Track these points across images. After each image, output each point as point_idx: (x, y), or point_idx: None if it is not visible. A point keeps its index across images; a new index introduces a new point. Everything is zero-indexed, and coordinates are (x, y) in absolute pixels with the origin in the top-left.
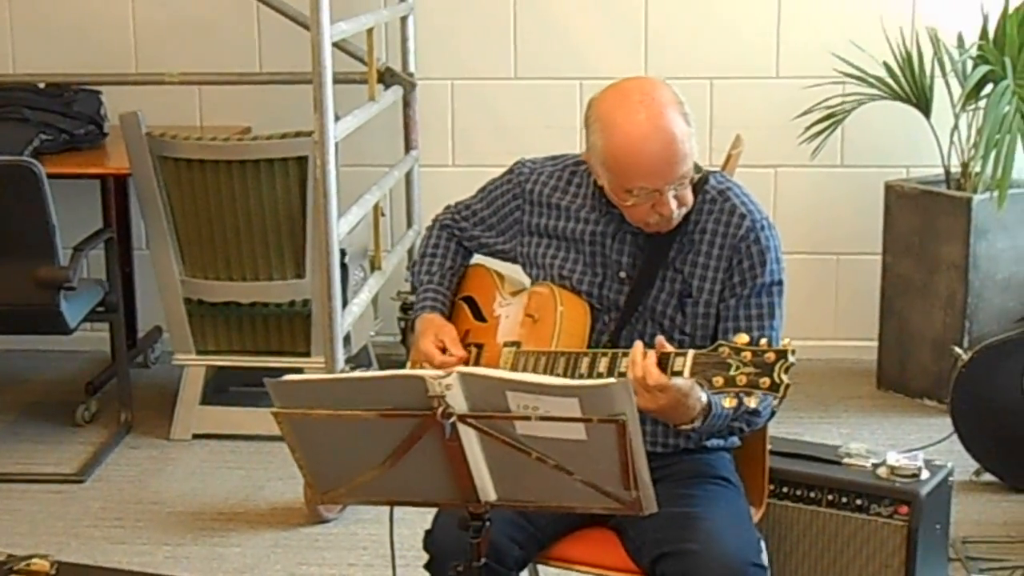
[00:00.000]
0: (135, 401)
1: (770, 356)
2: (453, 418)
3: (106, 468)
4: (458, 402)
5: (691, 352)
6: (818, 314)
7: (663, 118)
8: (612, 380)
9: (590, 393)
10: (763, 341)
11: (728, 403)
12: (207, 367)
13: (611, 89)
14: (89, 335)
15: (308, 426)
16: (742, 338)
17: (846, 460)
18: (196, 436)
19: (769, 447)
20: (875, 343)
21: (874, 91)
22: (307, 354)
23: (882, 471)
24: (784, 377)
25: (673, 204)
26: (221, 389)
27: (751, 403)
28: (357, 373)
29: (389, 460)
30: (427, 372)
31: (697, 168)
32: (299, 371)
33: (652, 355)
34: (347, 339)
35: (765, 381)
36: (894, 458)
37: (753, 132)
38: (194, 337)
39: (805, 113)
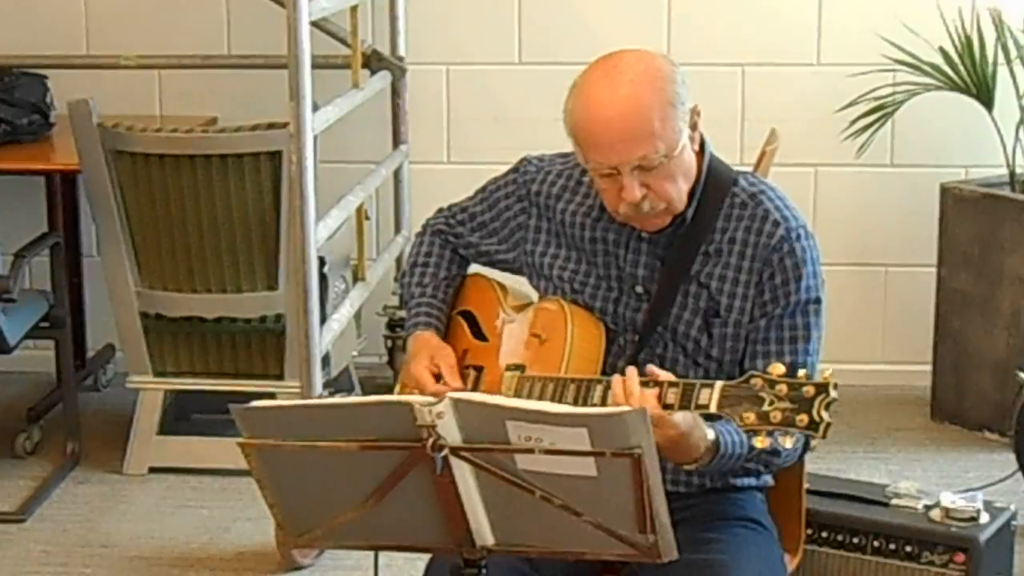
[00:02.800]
0: (84, 430)
1: (809, 390)
2: (445, 451)
3: (50, 506)
4: (451, 432)
5: (719, 384)
6: (863, 334)
7: (627, 85)
8: (626, 408)
9: (601, 422)
10: (801, 372)
11: (760, 443)
12: (166, 391)
13: (604, 55)
14: (32, 354)
15: (280, 459)
16: (777, 368)
17: (894, 501)
18: (153, 470)
19: (806, 486)
20: (929, 367)
21: (928, 80)
22: (280, 377)
23: (935, 514)
24: (824, 415)
25: (637, 192)
26: (182, 416)
27: (786, 443)
28: (336, 399)
29: (372, 498)
30: (415, 398)
31: (721, 167)
32: (271, 396)
33: (654, 388)
34: (326, 360)
35: (803, 419)
36: (949, 499)
37: (790, 126)
38: (151, 357)
39: (850, 105)
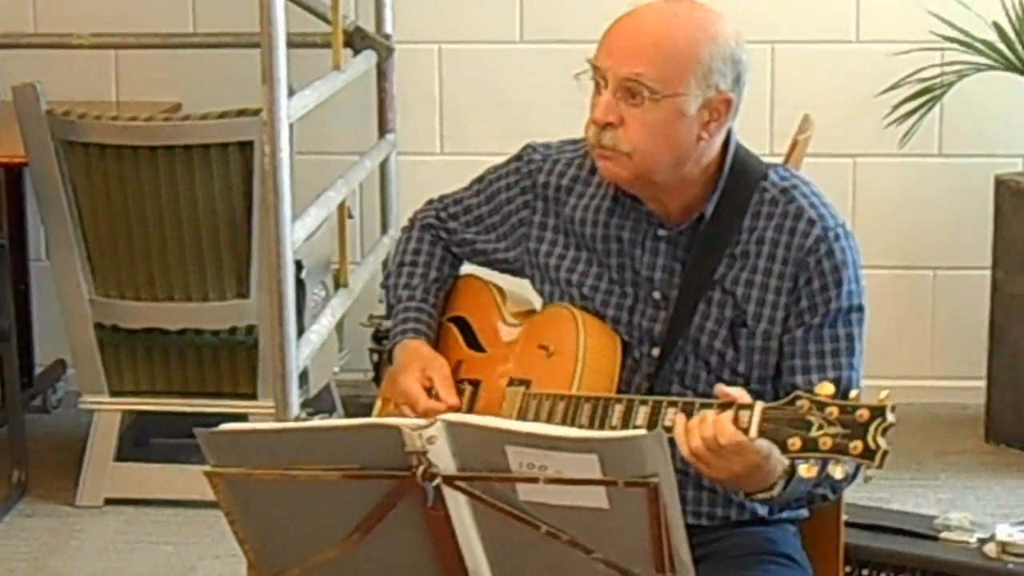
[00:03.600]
0: (31, 456)
1: (863, 413)
2: (437, 480)
3: None
4: (444, 459)
5: (759, 405)
6: (910, 346)
7: (666, 10)
8: (640, 432)
9: (613, 448)
10: (853, 393)
11: (807, 472)
12: (123, 413)
13: None
14: None
15: (252, 490)
16: (825, 388)
17: (944, 534)
18: (109, 501)
19: (845, 517)
20: (983, 383)
21: (981, 60)
22: (252, 396)
23: (990, 548)
24: (881, 441)
25: (602, 111)
26: (141, 441)
27: (836, 473)
28: (315, 421)
29: (356, 533)
30: (404, 421)
31: (749, 159)
32: (242, 418)
33: (729, 411)
34: (304, 377)
35: (856, 446)
36: (1006, 532)
37: (826, 112)
38: (107, 374)
39: (893, 88)
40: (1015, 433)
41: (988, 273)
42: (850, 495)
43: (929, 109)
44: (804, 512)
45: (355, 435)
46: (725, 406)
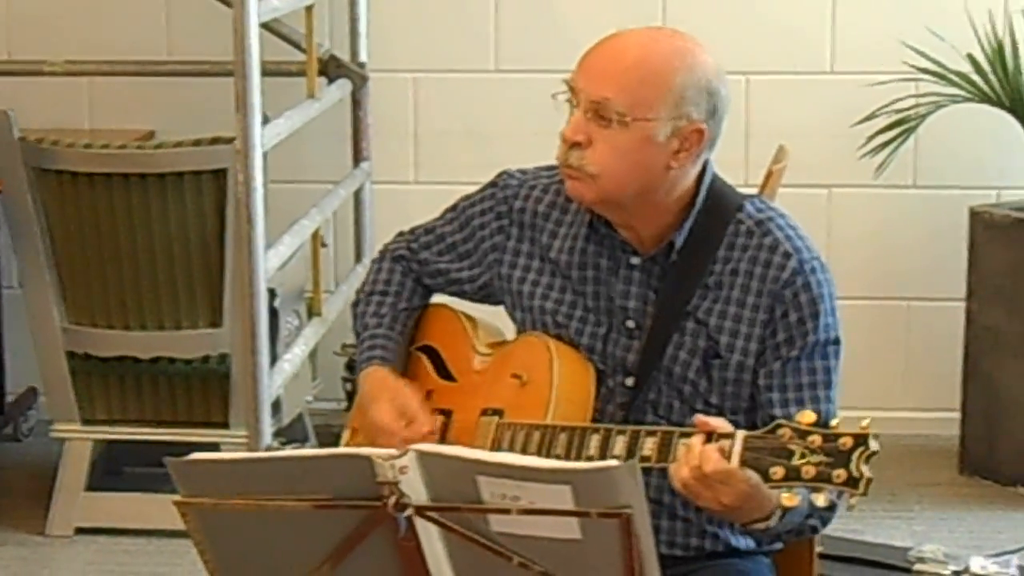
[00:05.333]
0: (2, 485)
1: (846, 441)
2: (409, 510)
3: None
4: (416, 489)
5: (740, 434)
6: (884, 377)
7: (644, 35)
8: (613, 462)
9: (586, 479)
10: (834, 422)
11: (788, 500)
12: (95, 441)
13: None
14: None
15: (222, 520)
16: (807, 416)
17: (918, 567)
18: (80, 531)
19: (819, 549)
20: (957, 415)
21: (956, 91)
22: (225, 425)
23: None
24: (864, 469)
25: (573, 130)
26: (113, 470)
27: (819, 501)
28: (287, 451)
29: (327, 564)
30: (376, 451)
31: (725, 189)
32: (215, 447)
33: (712, 446)
34: (276, 406)
35: (840, 474)
36: (979, 564)
37: (801, 143)
38: (79, 402)
39: (868, 119)
40: (989, 465)
41: (962, 305)
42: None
43: (904, 140)
44: (777, 544)
45: (326, 465)
46: (709, 436)
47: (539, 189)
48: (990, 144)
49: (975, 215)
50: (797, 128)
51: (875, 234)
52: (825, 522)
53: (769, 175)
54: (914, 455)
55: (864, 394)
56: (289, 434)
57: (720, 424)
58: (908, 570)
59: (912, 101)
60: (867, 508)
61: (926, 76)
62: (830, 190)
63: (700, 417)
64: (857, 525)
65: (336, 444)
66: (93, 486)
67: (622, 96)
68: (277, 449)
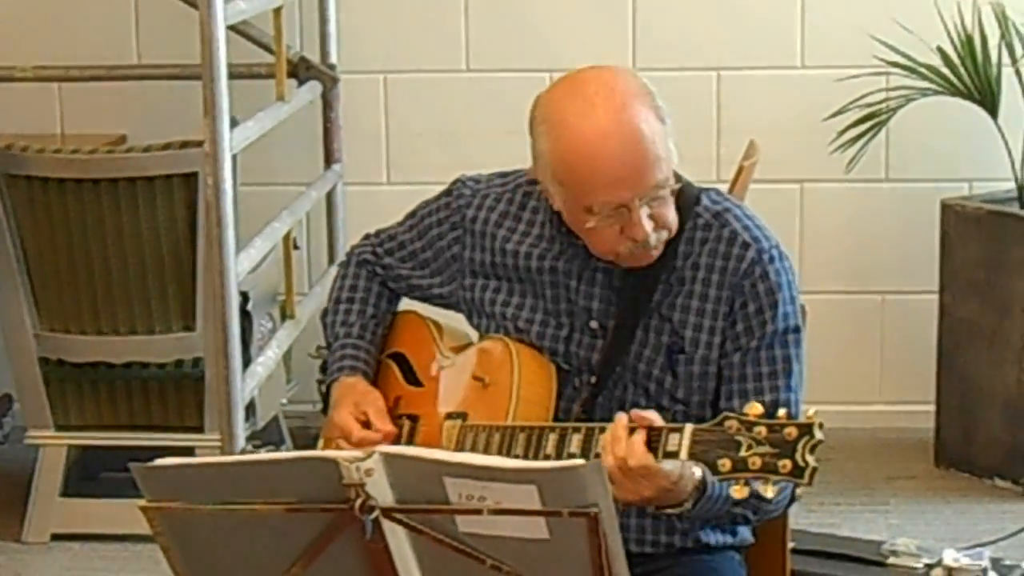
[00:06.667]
0: None
1: (791, 432)
2: (375, 513)
3: None
4: (382, 492)
5: (689, 427)
6: (858, 370)
7: (626, 111)
8: (579, 461)
9: (552, 478)
10: (781, 412)
11: (737, 492)
12: (69, 447)
13: (560, 82)
14: None
15: (189, 524)
16: (754, 408)
17: (891, 560)
18: (56, 537)
19: (792, 544)
20: (932, 407)
21: (926, 84)
22: (200, 429)
23: (937, 574)
24: (810, 459)
25: (648, 225)
26: (88, 476)
27: (768, 492)
28: (251, 455)
29: (296, 567)
30: (340, 453)
31: (678, 179)
32: (190, 451)
33: (640, 433)
34: (251, 409)
35: (785, 464)
36: (952, 556)
37: (772, 138)
38: (52, 408)
39: (838, 113)
40: (964, 457)
41: (935, 297)
42: (800, 521)
43: (875, 134)
44: (749, 539)
45: (292, 468)
46: (655, 430)
47: (491, 198)
48: (961, 137)
49: (947, 208)
50: (768, 123)
51: (848, 228)
52: (758, 512)
53: (740, 171)
54: (890, 448)
55: (838, 388)
56: (264, 437)
57: (655, 417)
58: (882, 564)
59: (882, 95)
60: (844, 502)
61: (896, 70)
62: (802, 185)
63: (636, 412)
64: (834, 519)
65: (311, 446)
66: (69, 492)
67: (662, 169)
68: (251, 452)
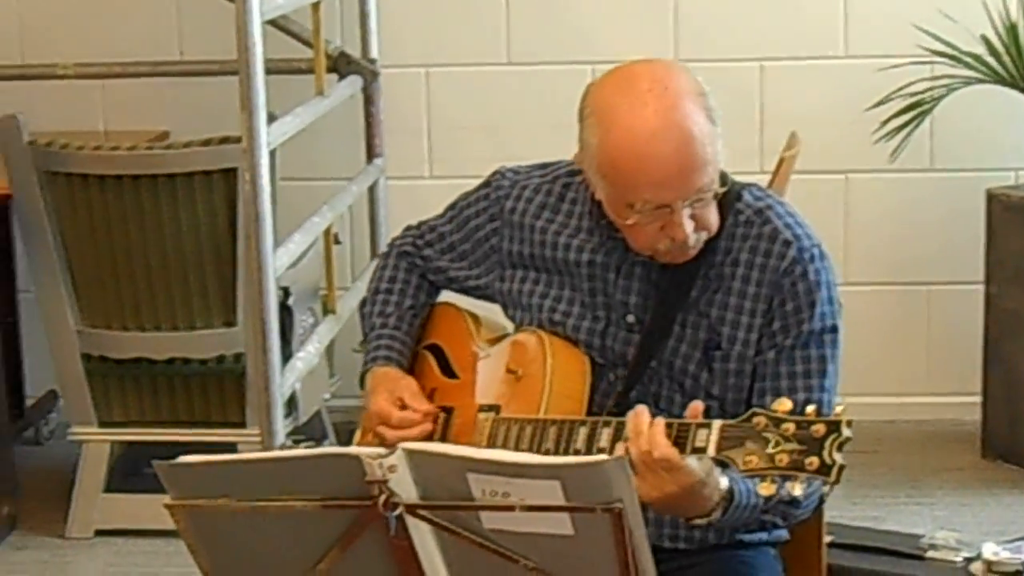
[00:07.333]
0: (22, 488)
1: (819, 429)
2: (399, 509)
3: None
4: (406, 488)
5: (717, 423)
6: (904, 362)
7: (677, 111)
8: (603, 457)
9: (576, 474)
10: (810, 408)
11: (765, 490)
12: (113, 443)
13: (613, 74)
14: None
15: (213, 522)
16: (783, 404)
17: (930, 553)
18: (99, 532)
19: (829, 538)
20: (978, 399)
21: (970, 73)
22: (242, 424)
23: (976, 567)
24: (837, 456)
25: (688, 226)
26: (131, 471)
27: (795, 490)
28: (273, 452)
29: (321, 564)
30: (364, 450)
31: (724, 179)
32: (232, 447)
33: (660, 423)
34: (293, 404)
35: (812, 461)
36: (991, 550)
37: (816, 128)
38: (95, 405)
39: (882, 102)
40: (1011, 448)
41: (982, 288)
42: (844, 513)
43: (919, 123)
44: (784, 535)
45: (316, 465)
46: (683, 425)
47: (531, 189)
48: (1006, 125)
49: (992, 197)
50: (812, 114)
51: (892, 219)
52: (787, 519)
53: (781, 162)
54: (936, 440)
55: (884, 380)
56: (307, 431)
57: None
58: (920, 557)
59: (926, 84)
60: (888, 494)
61: (940, 59)
62: (846, 175)
63: (695, 405)
64: (878, 512)
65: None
66: (112, 488)
67: (709, 173)
68: (289, 448)
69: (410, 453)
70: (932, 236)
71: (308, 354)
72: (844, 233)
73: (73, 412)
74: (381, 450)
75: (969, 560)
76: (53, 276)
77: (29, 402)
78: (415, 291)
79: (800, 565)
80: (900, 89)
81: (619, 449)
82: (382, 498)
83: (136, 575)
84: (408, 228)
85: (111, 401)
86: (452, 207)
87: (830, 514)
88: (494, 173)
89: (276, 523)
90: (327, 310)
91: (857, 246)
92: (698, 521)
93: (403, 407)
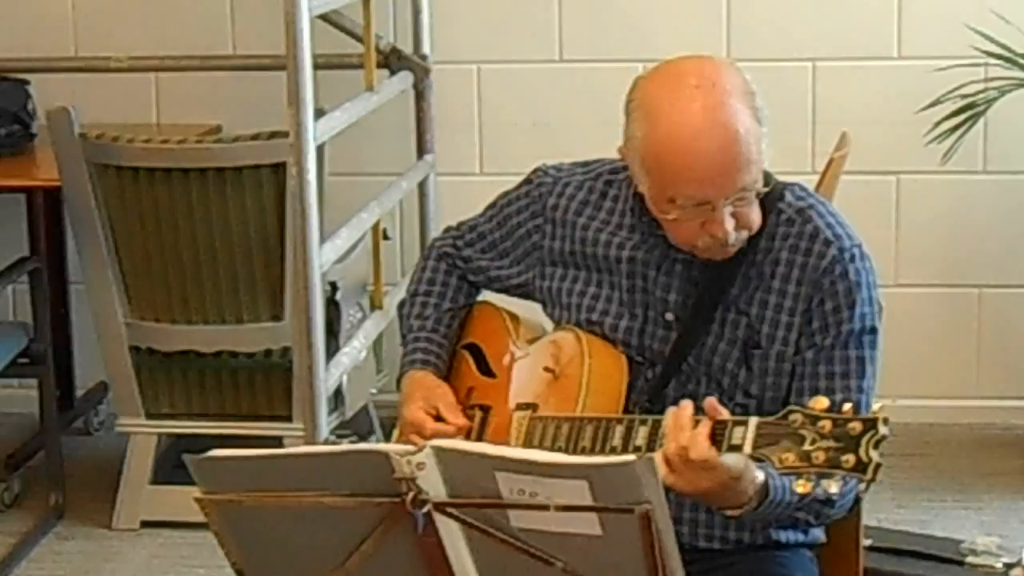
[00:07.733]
0: (69, 479)
1: (855, 426)
2: (427, 507)
3: (30, 565)
4: (434, 485)
5: (753, 420)
6: (955, 365)
7: (724, 109)
8: (631, 457)
9: (603, 474)
10: (847, 406)
11: (801, 488)
12: (159, 435)
13: (662, 68)
14: (12, 394)
15: (243, 516)
16: (820, 402)
17: (970, 559)
18: (145, 524)
19: (868, 542)
20: None
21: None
22: (289, 418)
23: (1016, 573)
24: (873, 454)
25: (729, 224)
26: (178, 463)
27: (831, 488)
28: (302, 448)
29: (350, 560)
30: (392, 447)
31: (768, 179)
32: (278, 441)
33: (705, 424)
34: (339, 399)
35: (848, 459)
36: None
37: (868, 129)
38: (143, 397)
39: (935, 104)
40: None
41: None
42: (891, 515)
43: (971, 125)
44: (821, 537)
45: (344, 461)
46: (720, 423)
47: (572, 186)
48: None
49: None
50: (863, 114)
51: (944, 221)
52: (821, 517)
53: (830, 163)
54: (985, 444)
55: (935, 383)
56: (354, 426)
57: (726, 413)
58: (960, 562)
59: (980, 86)
60: (936, 498)
61: (993, 60)
62: (898, 177)
63: (711, 400)
64: (925, 516)
65: None
66: (159, 480)
67: (752, 173)
68: (334, 443)
69: (438, 451)
70: (983, 238)
71: (354, 349)
72: (895, 235)
73: (121, 404)
74: (409, 447)
75: (1009, 566)
76: (102, 269)
77: (79, 392)
78: (454, 293)
79: (837, 568)
80: (953, 91)
81: (658, 454)
82: (410, 495)
83: (181, 567)
84: (448, 229)
85: (158, 393)
86: (492, 206)
87: (875, 516)
88: (535, 170)
89: (304, 519)
90: (374, 306)
91: (908, 248)
92: (730, 512)
93: (438, 417)
